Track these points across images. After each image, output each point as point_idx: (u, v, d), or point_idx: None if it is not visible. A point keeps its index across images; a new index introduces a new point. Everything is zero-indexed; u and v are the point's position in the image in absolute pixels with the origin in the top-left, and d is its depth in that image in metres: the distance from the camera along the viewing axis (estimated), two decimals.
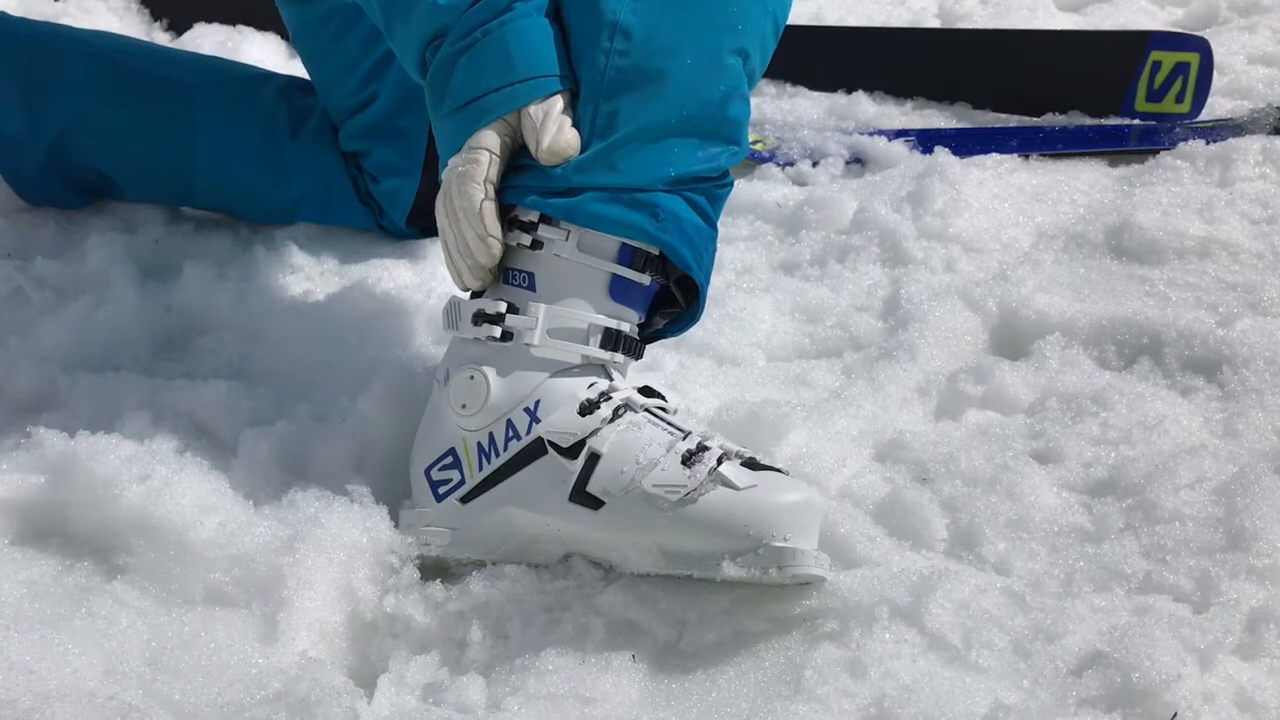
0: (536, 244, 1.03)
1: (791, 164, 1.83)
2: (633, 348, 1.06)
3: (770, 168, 1.81)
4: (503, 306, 1.03)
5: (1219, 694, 0.90)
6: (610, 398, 1.02)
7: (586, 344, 1.03)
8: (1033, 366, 1.31)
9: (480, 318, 1.04)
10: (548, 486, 1.00)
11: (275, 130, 1.57)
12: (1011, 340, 1.38)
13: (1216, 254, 1.47)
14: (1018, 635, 0.94)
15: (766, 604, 0.97)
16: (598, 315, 1.03)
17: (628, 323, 1.05)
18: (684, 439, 1.00)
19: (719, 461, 0.97)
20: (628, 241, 1.03)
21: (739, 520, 0.95)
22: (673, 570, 0.97)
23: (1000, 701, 0.88)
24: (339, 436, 1.14)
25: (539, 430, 1.01)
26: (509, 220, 1.04)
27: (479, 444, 1.03)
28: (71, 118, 1.53)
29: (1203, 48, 1.95)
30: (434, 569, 1.05)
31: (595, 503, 0.99)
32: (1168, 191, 1.64)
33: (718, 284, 1.52)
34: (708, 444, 0.99)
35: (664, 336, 1.13)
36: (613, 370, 1.05)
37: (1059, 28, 2.38)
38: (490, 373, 1.03)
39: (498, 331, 1.03)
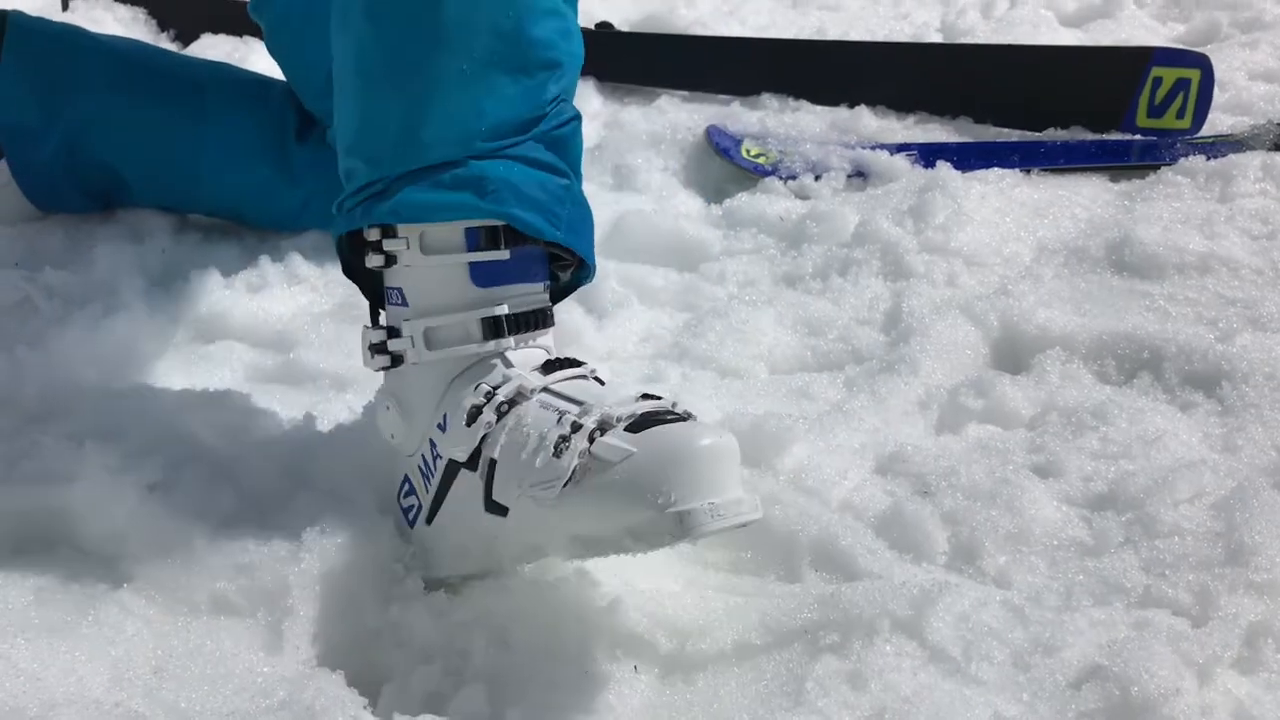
0: (390, 258, 1.00)
1: (794, 177, 1.84)
2: (532, 320, 1.00)
3: (773, 181, 1.82)
4: (383, 334, 1.01)
5: (1217, 708, 0.90)
6: (495, 396, 0.97)
7: (468, 343, 0.99)
8: (1033, 381, 1.32)
9: (373, 349, 1.02)
10: (469, 501, 0.97)
11: (283, 133, 1.59)
12: (1012, 354, 1.39)
13: (1216, 269, 1.48)
14: (1017, 648, 0.94)
15: (768, 615, 0.98)
16: (469, 311, 0.98)
17: (508, 302, 0.99)
18: (558, 421, 0.92)
19: (591, 438, 0.90)
20: (468, 224, 0.98)
21: (621, 498, 0.87)
22: (597, 554, 0.93)
23: (1000, 714, 0.88)
24: (345, 445, 1.14)
25: (443, 450, 0.99)
26: (362, 242, 1.01)
27: (419, 468, 1.02)
28: (86, 114, 1.55)
29: (1203, 64, 1.96)
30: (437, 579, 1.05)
31: (503, 509, 0.94)
32: (1168, 207, 1.65)
33: (720, 296, 1.53)
34: (581, 420, 0.91)
35: (574, 289, 1.08)
36: (511, 357, 0.99)
37: (1061, 43, 2.40)
38: (396, 401, 1.02)
39: (387, 360, 1.01)
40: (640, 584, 1.00)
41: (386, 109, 0.99)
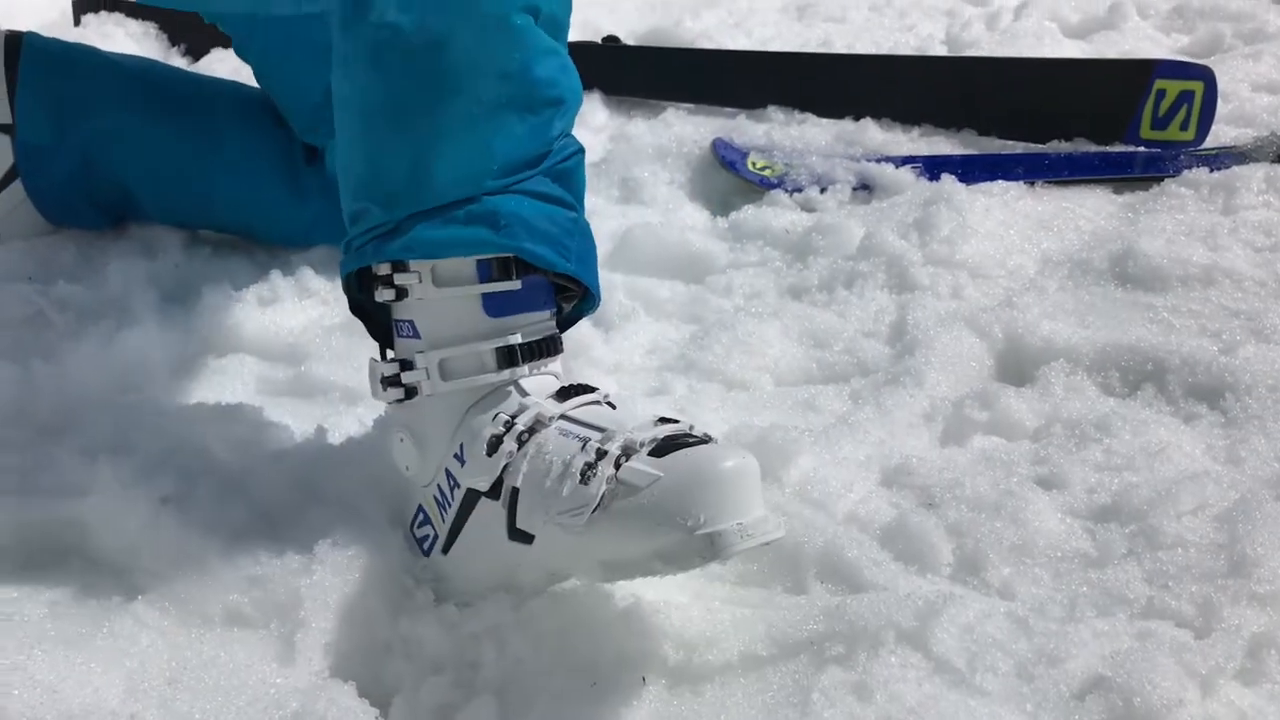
0: (401, 292, 1.01)
1: (799, 190, 1.85)
2: (542, 349, 1.02)
3: (778, 194, 1.83)
4: (396, 367, 1.02)
5: (1220, 719, 0.91)
6: (514, 425, 0.98)
7: (483, 373, 1.00)
8: (1038, 393, 1.33)
9: (385, 382, 1.03)
10: (491, 529, 0.98)
11: (293, 154, 1.61)
12: (1017, 366, 1.40)
13: (1220, 281, 1.48)
14: (1021, 659, 0.95)
15: (774, 627, 0.99)
16: (484, 341, 1.00)
17: (520, 330, 1.01)
18: (583, 448, 0.94)
19: (617, 464, 0.91)
20: (479, 258, 0.99)
21: (650, 522, 0.88)
22: (623, 577, 0.95)
23: None
24: (355, 458, 1.15)
25: (462, 480, 1.00)
26: (371, 278, 1.02)
27: (435, 498, 1.03)
28: (100, 134, 1.57)
29: (1207, 76, 1.96)
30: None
31: (528, 537, 0.96)
32: (1172, 219, 1.65)
33: (726, 309, 1.54)
34: (606, 447, 0.93)
35: (575, 321, 1.10)
36: (525, 385, 1.01)
37: (1065, 55, 2.41)
38: (411, 433, 1.02)
39: (401, 392, 1.02)
40: (648, 596, 1.01)
41: (396, 153, 1.00)
